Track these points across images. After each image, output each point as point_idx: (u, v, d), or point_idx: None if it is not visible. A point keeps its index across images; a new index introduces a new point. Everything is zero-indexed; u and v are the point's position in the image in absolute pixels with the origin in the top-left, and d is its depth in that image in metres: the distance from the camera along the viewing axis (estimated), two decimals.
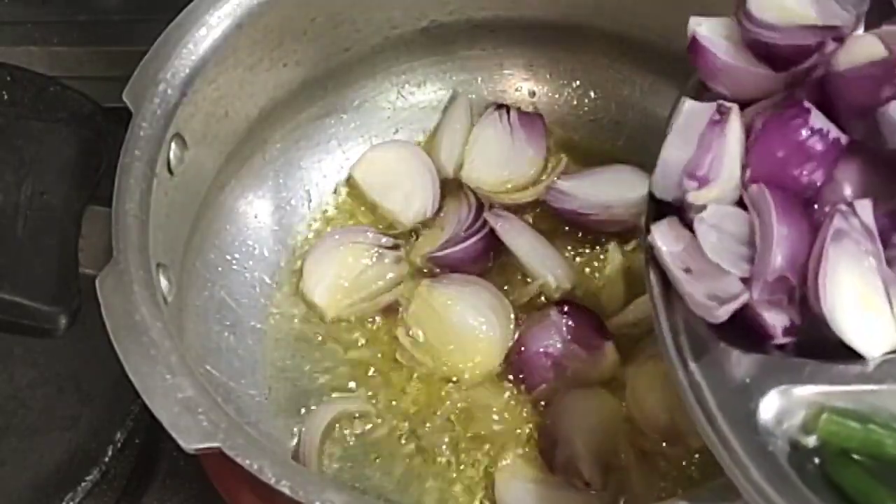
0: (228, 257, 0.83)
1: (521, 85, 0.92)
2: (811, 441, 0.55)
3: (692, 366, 0.56)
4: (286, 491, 0.56)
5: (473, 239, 0.82)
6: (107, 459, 0.76)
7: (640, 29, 0.84)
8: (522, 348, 0.79)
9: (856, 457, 0.54)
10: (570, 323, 0.78)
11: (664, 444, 0.74)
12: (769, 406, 0.55)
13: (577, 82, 0.91)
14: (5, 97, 0.91)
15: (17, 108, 0.90)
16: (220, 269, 0.80)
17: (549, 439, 0.74)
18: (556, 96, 0.91)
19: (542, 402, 0.77)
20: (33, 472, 0.78)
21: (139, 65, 0.71)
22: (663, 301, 0.59)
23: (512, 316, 0.79)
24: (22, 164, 0.68)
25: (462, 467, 0.75)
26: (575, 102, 0.91)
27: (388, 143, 0.90)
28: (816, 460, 0.55)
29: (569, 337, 0.77)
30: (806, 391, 0.55)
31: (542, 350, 0.78)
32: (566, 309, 0.79)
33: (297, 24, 0.80)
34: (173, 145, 0.71)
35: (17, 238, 0.66)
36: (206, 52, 0.73)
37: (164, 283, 0.68)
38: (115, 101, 0.72)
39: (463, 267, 0.82)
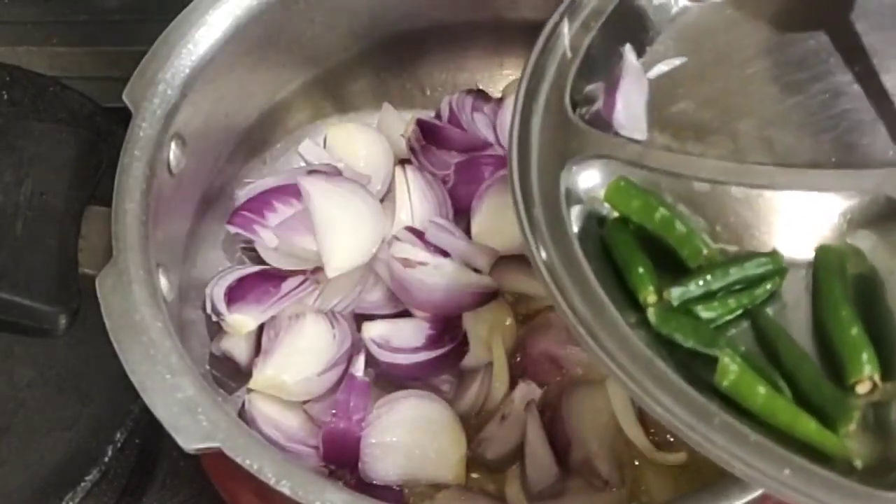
0: (228, 257, 0.83)
1: None
2: (605, 210, 0.61)
3: (535, 122, 0.62)
4: (286, 491, 0.56)
5: None
6: (107, 459, 0.76)
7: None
8: (524, 350, 0.79)
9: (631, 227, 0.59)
10: None
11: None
12: (585, 176, 0.60)
13: None
14: (5, 97, 0.91)
15: (17, 108, 0.90)
16: (220, 269, 0.80)
17: (562, 440, 0.74)
18: None
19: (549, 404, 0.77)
20: (33, 472, 0.78)
21: (139, 65, 0.71)
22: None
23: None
24: (22, 164, 0.68)
25: None
26: None
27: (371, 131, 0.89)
28: (601, 227, 0.60)
29: (570, 338, 0.77)
30: (619, 164, 0.61)
31: (543, 351, 0.78)
32: None
33: (297, 25, 0.80)
34: (173, 145, 0.71)
35: (17, 238, 0.66)
36: (206, 52, 0.73)
37: (164, 283, 0.68)
38: (115, 101, 0.72)
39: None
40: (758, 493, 0.56)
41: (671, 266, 0.58)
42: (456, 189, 0.83)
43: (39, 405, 0.81)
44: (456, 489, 0.72)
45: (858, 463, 0.50)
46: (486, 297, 0.76)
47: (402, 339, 0.76)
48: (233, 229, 0.79)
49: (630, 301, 0.57)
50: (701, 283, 0.56)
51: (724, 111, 0.64)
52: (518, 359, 0.79)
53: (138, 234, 0.65)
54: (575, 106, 0.63)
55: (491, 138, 0.87)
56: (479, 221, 0.80)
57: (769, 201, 0.60)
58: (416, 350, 0.75)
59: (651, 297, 0.57)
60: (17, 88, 0.91)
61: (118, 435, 0.77)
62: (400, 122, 0.89)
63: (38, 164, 0.68)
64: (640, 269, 0.57)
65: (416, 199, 0.81)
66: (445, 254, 0.78)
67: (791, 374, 0.54)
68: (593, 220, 0.61)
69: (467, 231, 0.80)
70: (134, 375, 0.59)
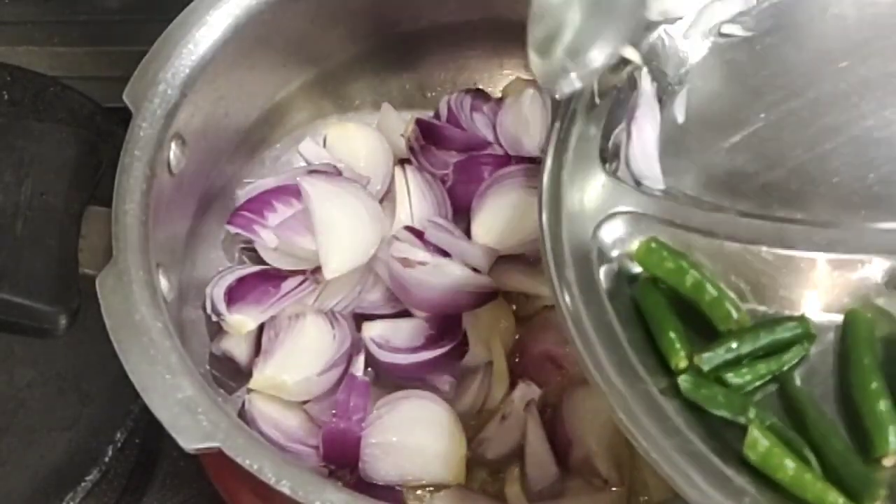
0: (228, 257, 0.83)
1: None
2: (634, 267, 0.60)
3: (565, 177, 0.60)
4: (286, 491, 0.56)
5: None
6: (107, 459, 0.77)
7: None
8: (524, 350, 0.79)
9: (663, 287, 0.59)
10: None
11: None
12: (612, 229, 0.60)
13: None
14: (5, 97, 0.91)
15: (17, 108, 0.90)
16: (220, 269, 0.80)
17: (562, 440, 0.74)
18: None
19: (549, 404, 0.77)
20: (33, 472, 0.78)
21: (139, 65, 0.71)
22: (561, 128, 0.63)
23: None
24: (22, 164, 0.68)
25: None
26: None
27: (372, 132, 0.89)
28: (631, 286, 0.60)
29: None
30: (649, 221, 0.60)
31: (543, 351, 0.78)
32: None
33: (297, 25, 0.80)
34: (173, 145, 0.71)
35: (17, 238, 0.66)
36: (206, 52, 0.73)
37: (164, 283, 0.68)
38: (115, 101, 0.72)
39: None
40: None
41: (701, 325, 0.58)
42: (455, 189, 0.83)
43: (39, 405, 0.81)
44: (455, 489, 0.72)
45: None
46: (486, 297, 0.76)
47: (402, 338, 0.76)
48: (233, 229, 0.79)
49: (659, 363, 0.57)
50: (731, 348, 0.56)
51: (756, 157, 0.63)
52: (518, 359, 0.79)
53: (138, 234, 0.65)
54: (605, 159, 0.62)
55: (490, 138, 0.87)
56: (479, 221, 0.80)
57: (801, 261, 0.59)
58: (416, 350, 0.75)
59: (682, 363, 0.56)
60: (17, 88, 0.91)
61: (118, 435, 0.77)
62: (400, 122, 0.89)
63: (38, 164, 0.68)
64: (672, 334, 0.57)
65: (415, 199, 0.81)
66: (445, 254, 0.78)
67: (818, 445, 0.53)
68: (623, 278, 0.60)
69: (467, 231, 0.80)
70: (134, 375, 0.59)
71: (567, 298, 0.56)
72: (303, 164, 0.86)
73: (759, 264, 0.59)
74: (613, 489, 0.73)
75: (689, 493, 0.50)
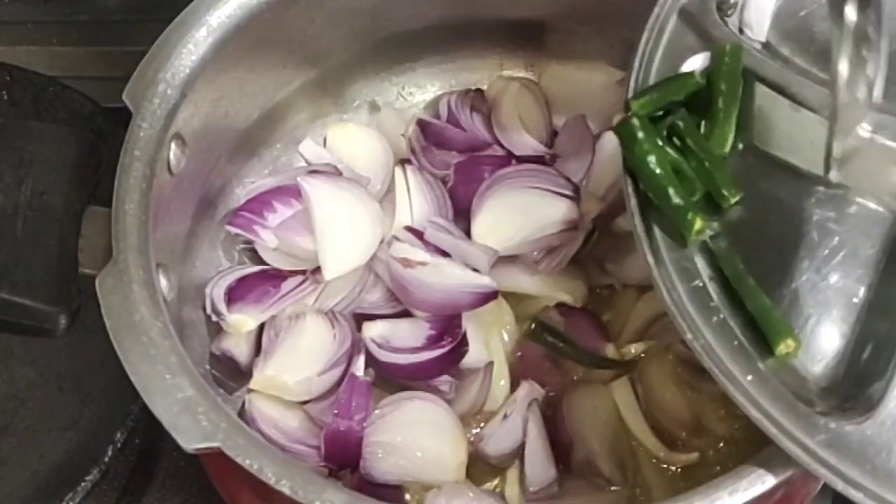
0: (228, 257, 0.83)
1: None
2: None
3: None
4: (286, 491, 0.56)
5: None
6: (107, 459, 0.77)
7: (639, 30, 0.84)
8: (524, 350, 0.79)
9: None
10: (570, 324, 0.78)
11: (686, 435, 0.75)
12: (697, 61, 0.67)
13: None
14: (5, 97, 0.91)
15: (17, 108, 0.90)
16: (220, 269, 0.80)
17: (563, 440, 0.74)
18: None
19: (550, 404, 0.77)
20: (33, 472, 0.78)
21: (139, 65, 0.71)
22: None
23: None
24: (22, 164, 0.68)
25: None
26: None
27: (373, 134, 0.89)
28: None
29: (570, 338, 0.77)
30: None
31: (543, 351, 0.78)
32: (566, 310, 0.79)
33: (297, 25, 0.80)
34: (173, 145, 0.71)
35: (17, 238, 0.66)
36: (206, 52, 0.73)
37: (164, 282, 0.68)
38: (115, 101, 0.72)
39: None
40: (759, 491, 0.56)
41: None
42: (456, 189, 0.83)
43: (39, 405, 0.81)
44: (455, 485, 0.72)
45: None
46: (486, 297, 0.76)
47: (402, 339, 0.76)
48: (233, 230, 0.79)
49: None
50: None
51: None
52: (518, 359, 0.79)
53: (138, 234, 0.65)
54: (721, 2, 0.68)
55: (490, 138, 0.87)
56: (479, 221, 0.80)
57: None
58: (416, 350, 0.75)
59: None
60: (17, 88, 0.91)
61: (118, 435, 0.77)
62: (400, 122, 0.89)
63: (38, 164, 0.68)
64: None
65: (415, 199, 0.81)
66: (445, 254, 0.78)
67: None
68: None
69: (467, 231, 0.80)
70: (134, 375, 0.59)
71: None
72: (303, 164, 0.86)
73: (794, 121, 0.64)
74: (614, 489, 0.73)
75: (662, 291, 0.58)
